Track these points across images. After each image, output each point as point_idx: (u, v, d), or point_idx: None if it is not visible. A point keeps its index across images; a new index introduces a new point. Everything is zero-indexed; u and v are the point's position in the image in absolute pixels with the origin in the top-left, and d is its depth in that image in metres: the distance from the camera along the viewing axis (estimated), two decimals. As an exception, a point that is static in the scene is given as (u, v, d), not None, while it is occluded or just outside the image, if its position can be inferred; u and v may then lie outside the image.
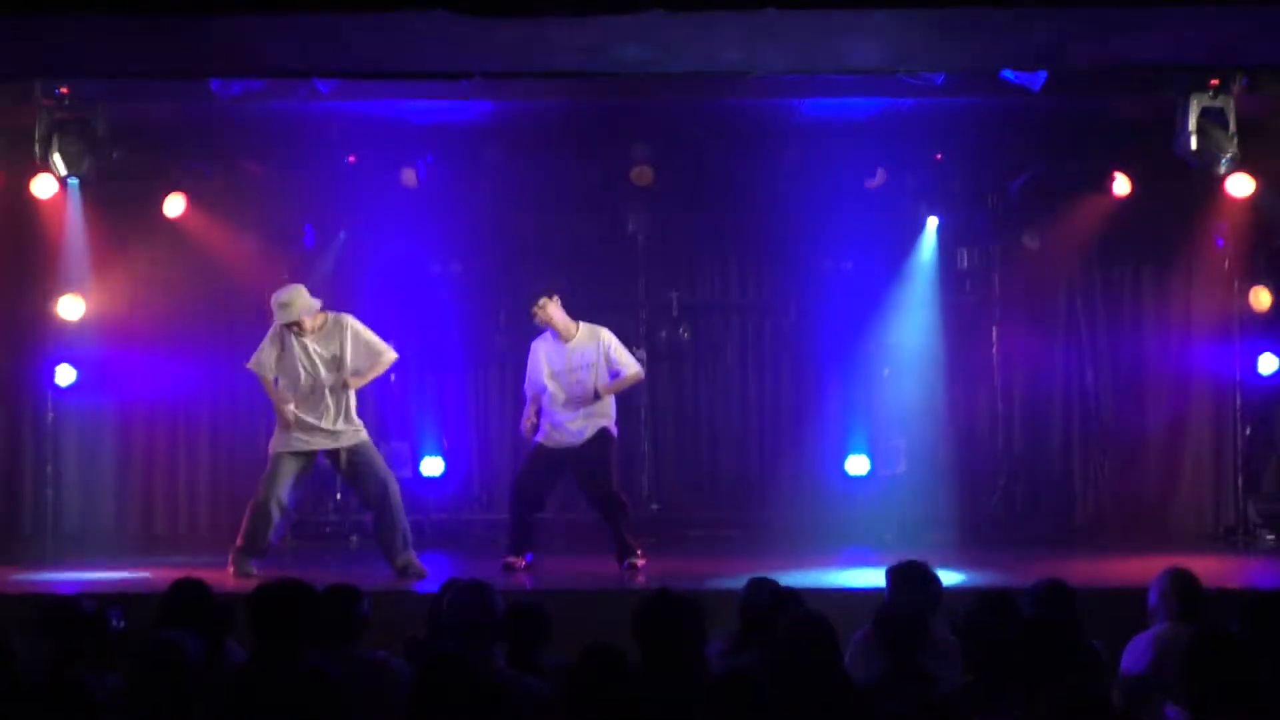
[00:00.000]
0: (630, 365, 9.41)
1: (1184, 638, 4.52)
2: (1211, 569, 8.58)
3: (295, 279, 11.42)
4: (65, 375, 11.12)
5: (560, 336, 9.37)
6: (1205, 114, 10.05)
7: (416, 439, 11.56)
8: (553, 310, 9.33)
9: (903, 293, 11.62)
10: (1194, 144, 10.02)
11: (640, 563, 9.21)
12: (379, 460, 9.11)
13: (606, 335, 9.42)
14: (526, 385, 9.53)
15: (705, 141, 11.05)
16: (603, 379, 9.33)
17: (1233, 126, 9.95)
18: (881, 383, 11.72)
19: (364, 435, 9.06)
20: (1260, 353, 11.23)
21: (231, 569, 8.88)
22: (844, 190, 11.20)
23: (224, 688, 4.51)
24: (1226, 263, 11.43)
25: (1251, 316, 11.28)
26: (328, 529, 11.47)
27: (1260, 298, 11.20)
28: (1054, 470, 11.84)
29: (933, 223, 11.50)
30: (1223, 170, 10.30)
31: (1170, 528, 11.51)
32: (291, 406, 8.91)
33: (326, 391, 8.93)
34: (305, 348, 8.95)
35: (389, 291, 11.21)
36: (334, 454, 9.02)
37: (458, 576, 5.89)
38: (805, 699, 4.62)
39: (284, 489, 8.93)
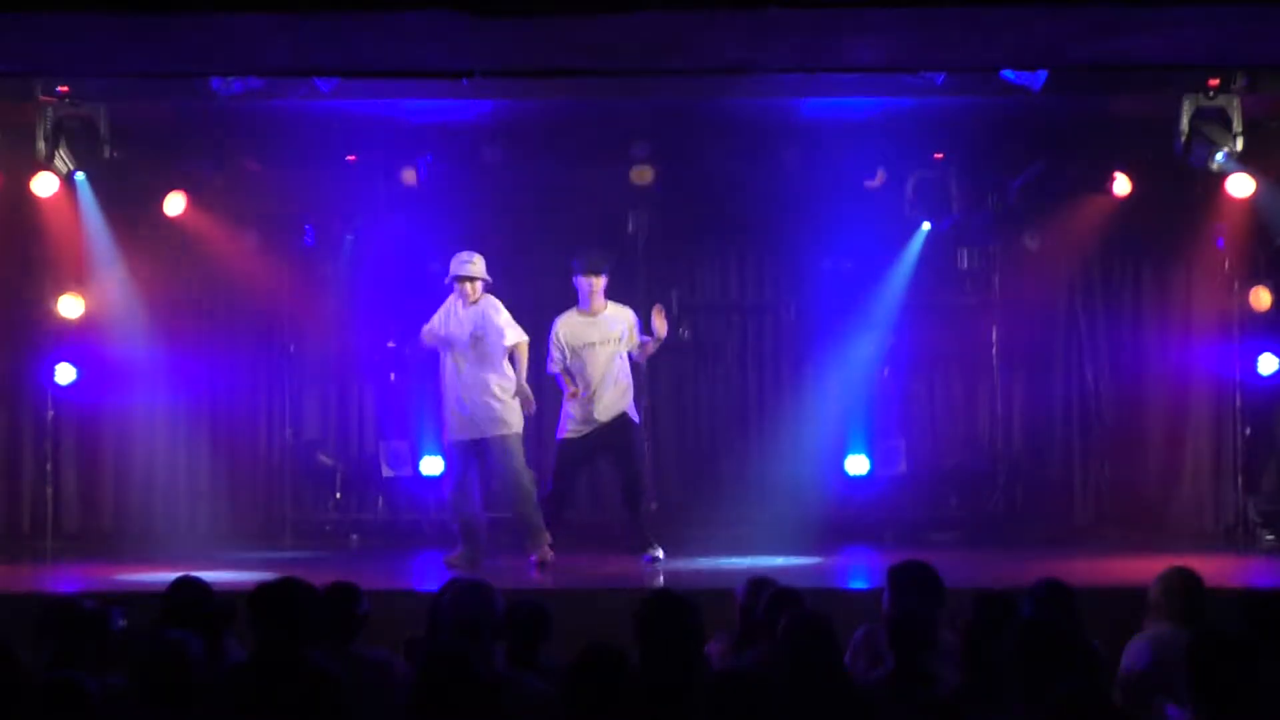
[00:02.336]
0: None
1: (1184, 638, 4.52)
2: (1211, 569, 8.53)
3: (296, 277, 11.50)
4: (65, 374, 11.12)
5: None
6: (1199, 114, 10.08)
7: (416, 438, 11.55)
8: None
9: (903, 293, 11.62)
10: (1186, 144, 10.05)
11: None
12: None
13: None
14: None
15: (705, 141, 11.04)
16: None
17: (1237, 125, 9.96)
18: (881, 383, 11.72)
19: None
20: (1260, 353, 11.22)
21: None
22: (844, 190, 11.20)
23: (224, 686, 4.51)
24: (1226, 263, 11.43)
25: (1251, 316, 11.28)
26: (328, 528, 11.48)
27: (1260, 298, 11.20)
28: (1054, 470, 11.84)
29: (931, 223, 11.50)
30: (1214, 168, 10.32)
31: (1170, 528, 11.51)
32: None
33: None
34: None
35: (389, 289, 11.22)
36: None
37: (458, 575, 5.89)
38: (805, 698, 4.62)
39: None
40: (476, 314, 9.31)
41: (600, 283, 9.60)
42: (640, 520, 9.65)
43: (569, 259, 9.72)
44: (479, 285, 9.37)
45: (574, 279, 9.65)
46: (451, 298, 9.43)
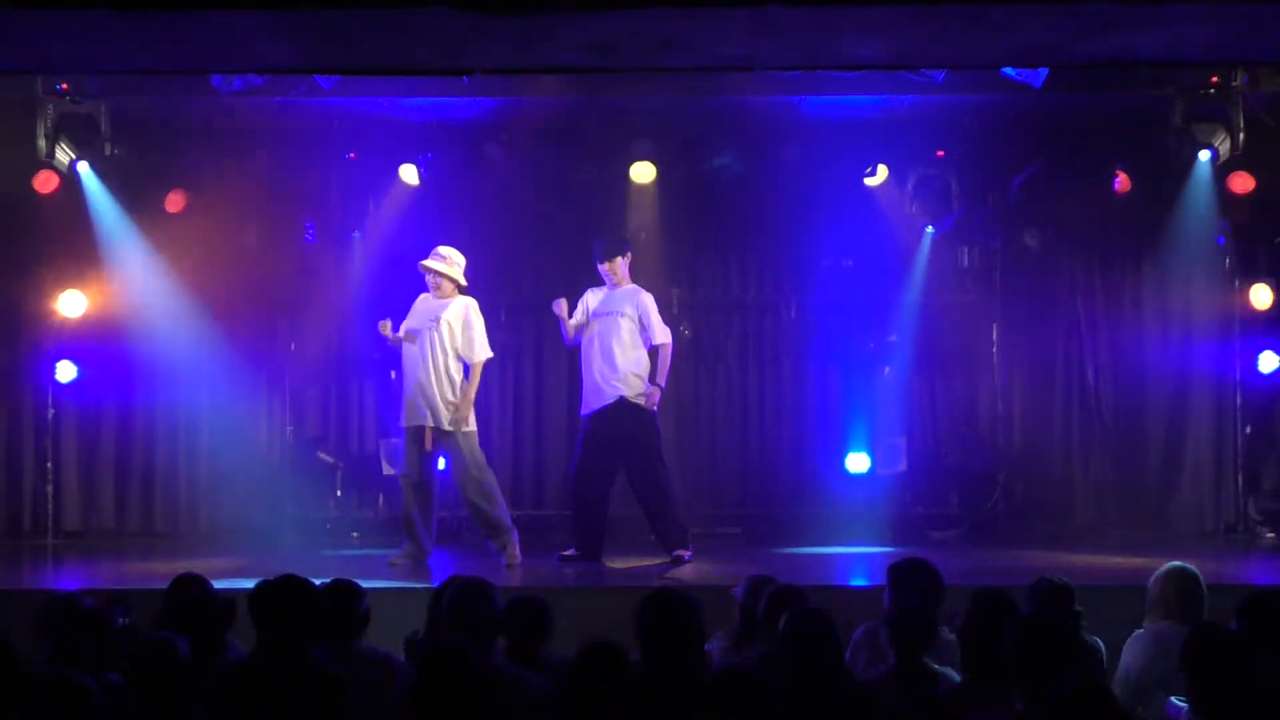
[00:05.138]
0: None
1: (1183, 635, 4.52)
2: (1211, 566, 8.54)
3: (296, 275, 11.49)
4: (66, 372, 11.13)
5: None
6: (1197, 111, 10.09)
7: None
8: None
9: (903, 290, 11.62)
10: (1182, 140, 10.07)
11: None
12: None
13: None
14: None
15: (706, 139, 11.05)
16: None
17: (1238, 122, 9.97)
18: (882, 381, 11.72)
19: None
20: (1260, 351, 11.23)
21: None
22: (845, 188, 11.21)
23: (225, 684, 4.51)
24: (1227, 261, 11.43)
25: (1251, 315, 11.28)
26: (328, 525, 11.47)
27: (1260, 296, 11.20)
28: (1054, 469, 11.84)
29: (933, 221, 11.49)
30: (1205, 164, 10.33)
31: (1170, 526, 11.51)
32: None
33: None
34: None
35: (389, 287, 11.20)
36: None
37: (458, 573, 5.89)
38: (806, 696, 4.63)
39: None
40: (442, 307, 9.29)
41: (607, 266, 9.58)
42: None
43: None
44: (441, 281, 9.31)
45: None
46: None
